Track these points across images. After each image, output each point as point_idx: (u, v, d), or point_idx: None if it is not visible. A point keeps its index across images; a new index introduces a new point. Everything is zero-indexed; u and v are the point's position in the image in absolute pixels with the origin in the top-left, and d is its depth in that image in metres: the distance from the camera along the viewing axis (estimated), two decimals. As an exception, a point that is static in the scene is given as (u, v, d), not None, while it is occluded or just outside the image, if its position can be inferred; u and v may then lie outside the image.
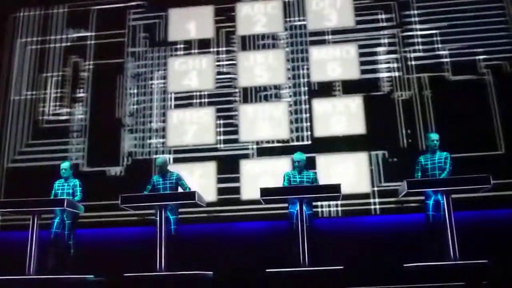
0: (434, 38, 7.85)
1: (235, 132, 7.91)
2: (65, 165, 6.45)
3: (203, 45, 8.42)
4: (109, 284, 5.49)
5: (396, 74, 7.79)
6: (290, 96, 7.95)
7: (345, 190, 5.69)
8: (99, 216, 7.49)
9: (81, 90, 8.43)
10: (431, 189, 5.50)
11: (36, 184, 7.25)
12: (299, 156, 6.14)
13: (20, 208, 5.93)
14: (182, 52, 8.43)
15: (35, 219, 5.82)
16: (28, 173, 8.03)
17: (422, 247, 5.55)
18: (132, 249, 6.81)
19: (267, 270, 5.20)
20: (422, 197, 5.84)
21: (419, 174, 5.89)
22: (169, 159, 7.76)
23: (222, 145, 7.86)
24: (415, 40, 7.90)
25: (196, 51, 8.42)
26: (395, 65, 7.83)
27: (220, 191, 7.65)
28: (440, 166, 5.77)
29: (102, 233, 7.40)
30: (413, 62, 7.81)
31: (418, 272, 5.07)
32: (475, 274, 4.73)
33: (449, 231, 5.19)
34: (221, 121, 7.99)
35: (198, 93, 8.18)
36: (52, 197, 6.32)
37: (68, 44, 8.71)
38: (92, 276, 5.81)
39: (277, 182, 6.24)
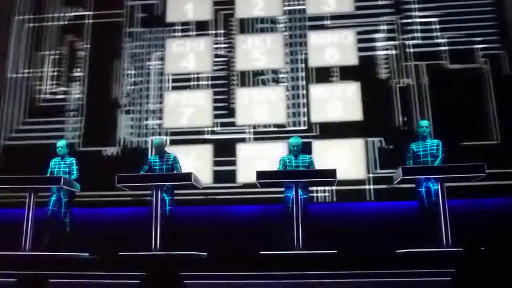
0: (433, 26, 7.85)
1: (232, 115, 7.91)
2: (61, 143, 6.44)
3: (201, 27, 8.39)
4: (104, 262, 5.51)
5: (394, 61, 7.79)
6: (288, 80, 7.95)
7: (340, 176, 5.73)
8: (95, 196, 7.50)
9: (78, 70, 8.40)
10: (425, 176, 5.53)
11: (31, 162, 7.27)
12: (295, 140, 6.13)
13: (17, 185, 5.93)
14: (180, 34, 8.40)
15: (32, 197, 5.82)
16: (24, 151, 8.04)
17: (418, 233, 5.60)
18: (127, 228, 6.84)
19: (261, 252, 5.24)
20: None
21: (411, 161, 5.92)
22: (166, 140, 7.76)
23: (218, 128, 7.87)
24: (414, 27, 7.90)
25: (194, 33, 8.38)
26: (393, 52, 7.83)
27: (216, 173, 7.68)
28: (432, 153, 5.79)
29: (98, 212, 7.42)
30: (411, 50, 7.81)
31: (410, 257, 5.12)
32: (466, 261, 4.78)
33: (442, 218, 5.24)
34: (218, 104, 7.99)
35: (195, 75, 8.17)
36: (48, 175, 6.32)
37: (66, 22, 8.66)
38: (86, 254, 5.83)
39: (273, 166, 6.26)
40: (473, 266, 4.62)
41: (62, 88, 8.34)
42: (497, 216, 6.76)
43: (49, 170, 6.41)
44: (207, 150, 7.78)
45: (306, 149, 6.97)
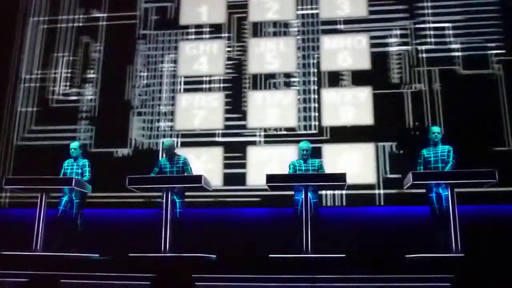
0: (446, 32, 7.81)
1: (243, 118, 7.93)
2: (74, 144, 6.50)
3: (215, 30, 8.43)
4: (114, 263, 5.56)
5: (407, 66, 7.77)
6: (299, 84, 7.95)
7: (350, 180, 5.73)
8: (106, 197, 7.55)
9: (92, 71, 8.47)
10: (436, 182, 5.52)
11: (44, 162, 7.35)
12: (305, 145, 6.14)
13: (29, 186, 6.01)
14: (193, 37, 8.44)
15: (44, 197, 5.89)
16: (37, 151, 8.09)
17: (429, 238, 5.59)
18: (137, 230, 6.88)
19: (270, 256, 5.26)
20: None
21: (421, 167, 5.90)
22: (177, 142, 7.79)
23: (229, 131, 7.89)
24: (427, 32, 7.86)
25: (207, 36, 8.42)
26: (406, 57, 7.81)
27: (226, 176, 7.69)
28: (443, 159, 5.78)
29: (109, 213, 7.47)
30: (424, 55, 7.78)
31: (420, 262, 5.11)
32: (475, 266, 4.76)
33: (452, 224, 5.22)
34: (230, 107, 8.01)
35: (207, 78, 8.20)
36: (61, 176, 6.38)
37: (80, 24, 8.73)
38: (97, 255, 5.88)
39: (283, 169, 6.27)
40: (481, 272, 4.60)
41: (75, 90, 8.41)
42: (509, 223, 6.71)
43: (62, 171, 6.47)
44: (217, 153, 7.81)
45: (316, 153, 6.98)
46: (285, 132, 7.78)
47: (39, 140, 8.19)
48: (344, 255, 5.18)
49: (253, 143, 7.79)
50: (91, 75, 8.45)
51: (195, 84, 8.21)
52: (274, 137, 7.79)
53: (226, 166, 7.74)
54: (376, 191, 7.33)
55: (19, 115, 8.37)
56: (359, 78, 7.85)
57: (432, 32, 7.85)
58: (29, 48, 8.71)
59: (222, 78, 8.16)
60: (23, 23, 8.85)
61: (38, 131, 8.26)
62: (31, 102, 8.42)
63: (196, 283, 3.73)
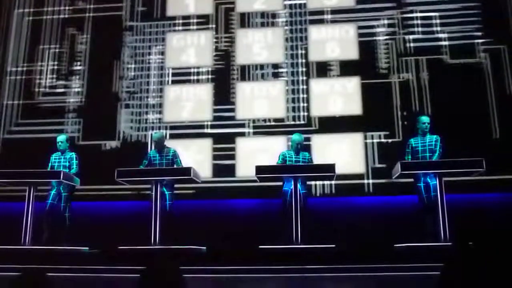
0: (433, 21, 7.82)
1: (232, 110, 7.91)
2: (61, 138, 6.44)
3: (202, 21, 8.38)
4: (103, 256, 5.54)
5: (394, 55, 7.78)
6: (288, 75, 7.94)
7: (339, 170, 5.75)
8: (95, 190, 7.51)
9: (78, 63, 8.39)
10: (424, 171, 5.56)
11: (32, 156, 7.28)
12: (299, 137, 6.13)
13: (17, 179, 5.97)
14: (180, 28, 8.38)
15: (31, 191, 5.85)
16: (24, 145, 8.02)
17: (418, 227, 5.63)
18: (127, 222, 6.86)
19: (260, 247, 5.27)
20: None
21: (410, 156, 5.93)
22: (165, 134, 7.75)
23: (218, 122, 7.86)
24: (415, 22, 7.87)
25: (195, 27, 8.37)
26: (394, 46, 7.82)
27: (216, 167, 7.68)
28: (431, 149, 5.81)
29: (98, 206, 7.43)
30: (411, 44, 7.79)
31: (409, 252, 5.14)
32: (464, 255, 4.79)
33: (440, 213, 5.26)
34: (218, 98, 7.98)
35: (195, 70, 8.16)
36: (48, 170, 6.33)
37: (66, 16, 8.64)
38: (86, 248, 5.86)
39: (272, 160, 6.27)
40: (470, 260, 4.64)
41: (62, 82, 8.33)
42: (497, 211, 6.76)
43: (50, 164, 6.42)
44: (206, 144, 7.79)
45: (305, 143, 6.97)
46: (274, 123, 7.77)
47: (26, 134, 8.12)
48: (334, 245, 5.21)
49: (242, 134, 7.79)
50: (78, 67, 8.38)
51: (183, 76, 8.17)
52: (263, 128, 7.78)
53: (216, 157, 7.73)
54: (365, 181, 7.36)
55: (5, 109, 8.28)
56: (347, 68, 7.84)
57: (419, 22, 7.86)
58: (15, 41, 8.61)
59: (210, 69, 8.13)
60: (7, 15, 8.74)
61: (24, 124, 8.19)
62: (17, 95, 8.33)
63: (185, 275, 3.74)
